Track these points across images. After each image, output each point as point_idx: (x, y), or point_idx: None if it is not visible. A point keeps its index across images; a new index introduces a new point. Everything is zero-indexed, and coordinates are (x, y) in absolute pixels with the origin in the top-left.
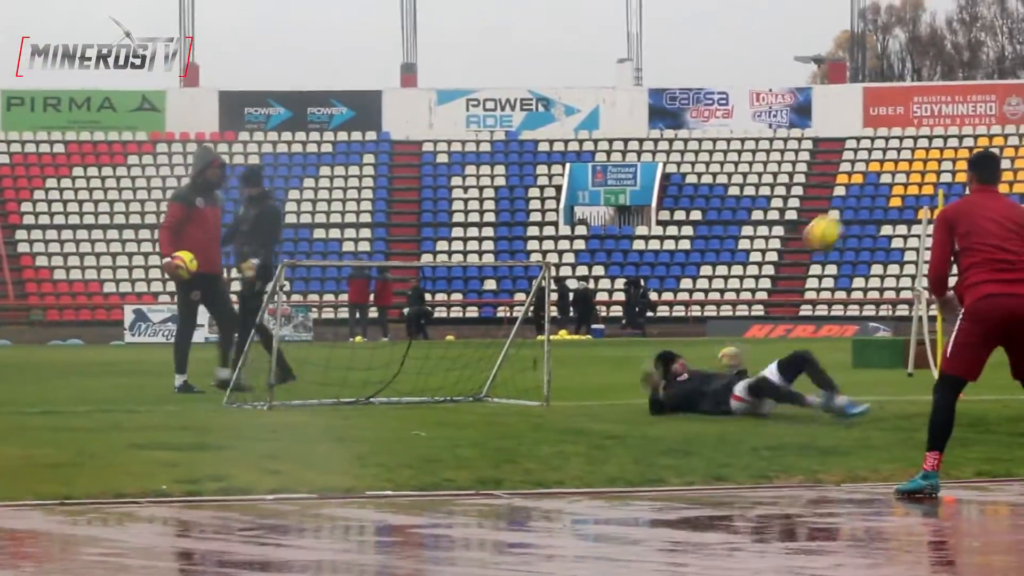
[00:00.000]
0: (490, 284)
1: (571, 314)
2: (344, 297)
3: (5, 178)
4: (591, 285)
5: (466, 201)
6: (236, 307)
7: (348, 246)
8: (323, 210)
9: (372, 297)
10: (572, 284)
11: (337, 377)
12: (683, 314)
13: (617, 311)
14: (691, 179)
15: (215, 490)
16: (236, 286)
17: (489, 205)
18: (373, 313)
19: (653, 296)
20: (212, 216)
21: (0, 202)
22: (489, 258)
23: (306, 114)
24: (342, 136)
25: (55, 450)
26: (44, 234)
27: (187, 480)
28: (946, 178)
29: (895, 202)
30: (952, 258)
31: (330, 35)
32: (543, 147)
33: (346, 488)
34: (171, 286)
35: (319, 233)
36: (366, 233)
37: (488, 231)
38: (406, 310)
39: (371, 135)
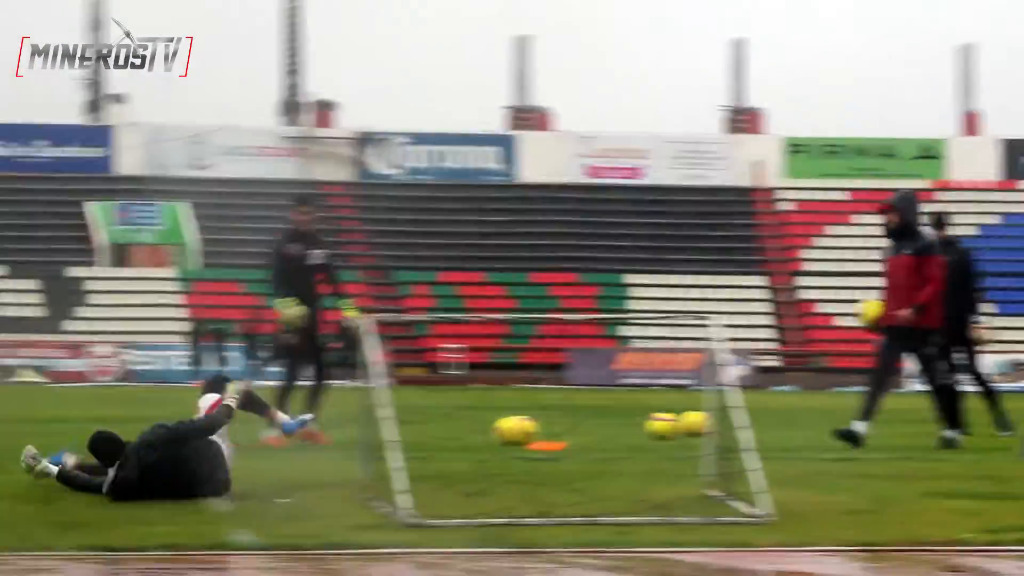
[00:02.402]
0: None
1: None
2: None
3: (788, 224)
4: None
5: None
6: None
7: None
8: None
9: None
10: None
11: None
12: None
13: None
14: None
15: (1014, 540)
16: None
17: None
18: None
19: None
20: (894, 263)
21: (783, 248)
22: None
23: None
24: None
25: (853, 496)
26: (825, 280)
27: (989, 530)
28: None
29: None
30: None
31: None
32: None
33: None
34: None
35: None
36: None
37: None
38: None
39: None
